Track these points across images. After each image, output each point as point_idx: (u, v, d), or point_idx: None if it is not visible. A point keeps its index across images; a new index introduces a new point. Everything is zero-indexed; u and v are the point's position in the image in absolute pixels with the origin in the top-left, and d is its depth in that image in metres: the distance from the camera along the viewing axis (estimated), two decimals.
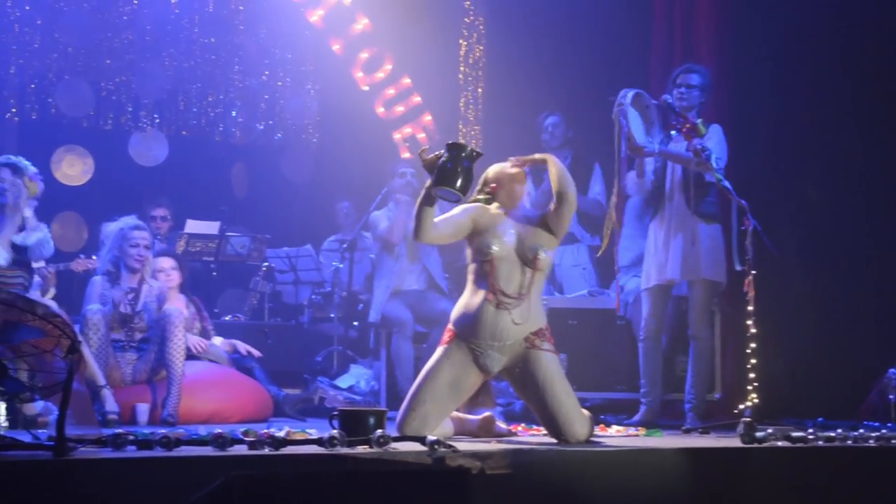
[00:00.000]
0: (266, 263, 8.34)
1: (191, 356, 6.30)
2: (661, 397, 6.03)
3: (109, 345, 5.99)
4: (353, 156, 9.09)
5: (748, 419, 4.58)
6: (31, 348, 3.66)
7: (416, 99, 9.33)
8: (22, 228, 6.02)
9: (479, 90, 9.10)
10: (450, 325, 4.68)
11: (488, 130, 8.98)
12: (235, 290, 8.56)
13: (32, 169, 5.96)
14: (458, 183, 4.45)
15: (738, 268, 5.55)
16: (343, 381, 7.27)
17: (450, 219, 4.70)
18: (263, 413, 6.37)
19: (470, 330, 4.59)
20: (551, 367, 4.58)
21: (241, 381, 6.51)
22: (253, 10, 9.17)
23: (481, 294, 4.60)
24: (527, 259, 4.60)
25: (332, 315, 8.00)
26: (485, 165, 4.85)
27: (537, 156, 4.86)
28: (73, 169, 9.03)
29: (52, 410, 5.26)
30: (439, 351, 4.65)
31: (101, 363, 5.85)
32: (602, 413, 6.29)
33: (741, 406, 5.22)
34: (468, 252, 4.72)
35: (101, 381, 5.76)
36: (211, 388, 6.16)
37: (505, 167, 4.81)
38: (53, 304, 5.55)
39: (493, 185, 4.80)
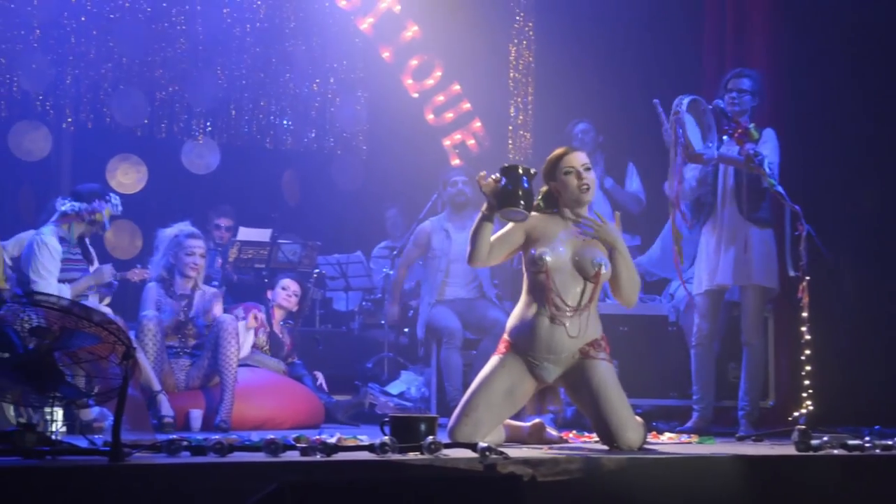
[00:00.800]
0: (317, 270, 8.39)
1: (244, 363, 6.35)
2: (713, 404, 5.99)
3: (164, 351, 6.05)
4: (403, 162, 9.11)
5: (803, 427, 4.53)
6: (88, 354, 3.70)
7: (466, 105, 9.33)
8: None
9: (529, 96, 9.07)
10: (505, 336, 4.67)
11: (538, 136, 8.95)
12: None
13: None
14: (523, 202, 4.44)
15: (792, 273, 5.49)
16: (394, 388, 7.29)
17: (502, 237, 4.64)
18: (315, 419, 6.40)
19: (525, 342, 4.58)
20: (605, 374, 4.55)
21: (293, 387, 6.56)
22: (304, 18, 9.22)
23: (535, 306, 4.56)
24: (587, 272, 4.53)
25: (383, 321, 8.03)
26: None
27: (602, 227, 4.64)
28: (128, 177, 9.14)
29: (107, 416, 5.34)
30: (494, 360, 4.64)
31: (156, 369, 5.92)
32: (654, 420, 6.25)
33: (796, 413, 5.17)
34: (523, 260, 4.67)
35: (157, 386, 5.84)
36: (263, 394, 6.21)
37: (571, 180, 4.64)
38: (109, 311, 5.62)
39: (547, 187, 4.73)
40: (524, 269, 4.65)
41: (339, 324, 8.79)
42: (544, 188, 4.73)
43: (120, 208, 6.17)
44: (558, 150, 4.71)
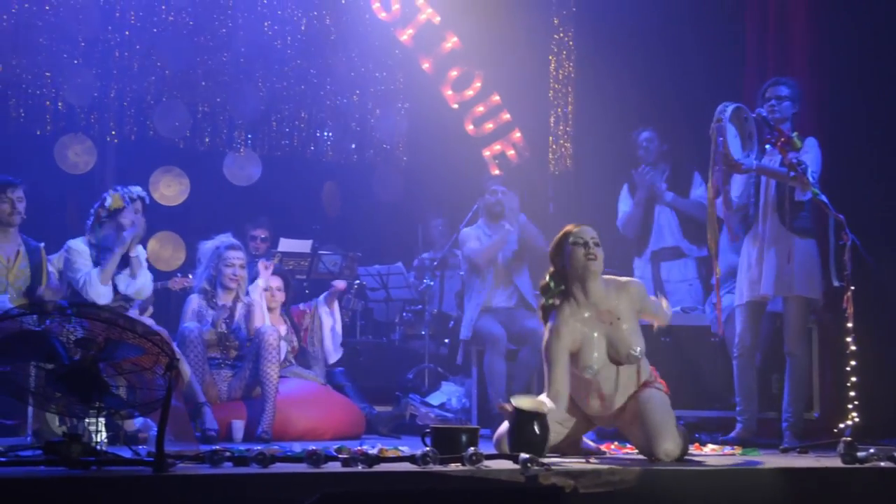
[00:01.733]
0: (358, 281, 8.41)
1: (285, 374, 6.39)
2: (757, 415, 5.93)
3: (206, 362, 6.10)
4: (443, 173, 9.12)
5: (849, 438, 4.47)
6: (132, 365, 3.74)
7: (506, 116, 9.33)
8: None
9: (569, 106, 9.06)
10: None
11: (579, 147, 8.93)
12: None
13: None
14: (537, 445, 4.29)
15: (836, 283, 5.43)
16: (434, 399, 7.29)
17: (563, 374, 4.65)
18: (356, 430, 6.41)
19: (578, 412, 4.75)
20: (651, 392, 4.63)
21: (334, 398, 6.58)
22: (344, 30, 9.27)
23: (583, 393, 4.69)
24: (620, 360, 4.64)
25: (423, 332, 8.03)
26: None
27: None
28: (170, 189, 9.23)
29: (151, 426, 5.38)
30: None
31: (199, 380, 5.97)
32: (696, 431, 6.20)
33: (841, 425, 5.11)
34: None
35: (201, 397, 5.88)
36: (304, 405, 6.23)
37: (577, 251, 4.67)
38: (152, 322, 5.68)
39: (554, 267, 4.75)
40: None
41: (380, 335, 8.80)
42: (551, 269, 4.76)
43: (133, 192, 6.24)
44: (566, 227, 4.77)
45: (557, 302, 4.71)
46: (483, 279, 6.99)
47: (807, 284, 5.75)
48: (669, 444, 4.45)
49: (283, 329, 6.72)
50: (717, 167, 5.42)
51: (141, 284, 6.23)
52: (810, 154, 5.68)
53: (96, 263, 6.10)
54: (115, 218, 6.17)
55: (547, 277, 4.75)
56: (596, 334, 4.64)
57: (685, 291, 7.05)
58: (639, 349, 4.61)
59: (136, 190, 6.32)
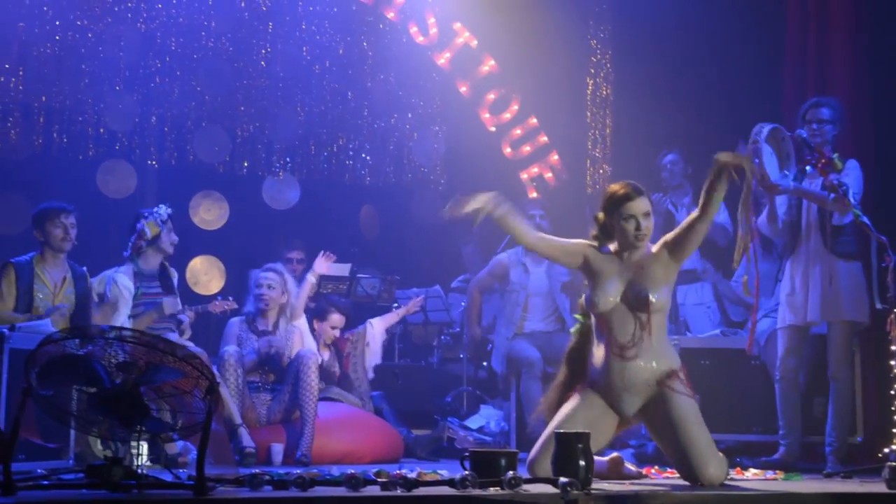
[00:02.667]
0: (396, 304, 8.42)
1: (324, 397, 6.40)
2: (799, 440, 5.86)
3: (245, 385, 6.12)
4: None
5: (893, 463, 4.40)
6: (172, 389, 3.75)
7: (543, 138, 9.33)
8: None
9: (607, 128, 9.04)
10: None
11: (617, 169, 8.90)
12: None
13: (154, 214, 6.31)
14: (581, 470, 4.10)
15: (879, 306, 5.37)
16: (473, 422, 7.27)
17: (563, 244, 4.72)
18: (394, 454, 6.41)
19: (601, 382, 4.59)
20: (685, 408, 4.50)
21: (373, 421, 6.58)
22: (382, 54, 9.32)
23: (603, 345, 4.59)
24: (635, 304, 4.53)
25: (462, 355, 8.02)
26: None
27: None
28: (210, 214, 9.29)
29: (191, 450, 5.41)
30: (575, 396, 4.63)
31: (238, 403, 5.99)
32: (737, 455, 6.14)
33: (886, 450, 5.05)
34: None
35: (238, 419, 5.90)
36: (343, 428, 6.24)
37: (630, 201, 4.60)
38: (192, 345, 5.72)
39: (605, 218, 4.68)
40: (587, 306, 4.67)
41: (418, 358, 8.80)
42: (601, 216, 4.70)
43: (162, 213, 6.32)
44: (622, 189, 4.65)
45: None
46: (524, 308, 6.99)
47: (853, 308, 5.69)
48: (713, 470, 4.39)
49: (326, 355, 6.76)
50: (755, 189, 5.37)
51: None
52: (851, 176, 5.63)
53: (144, 297, 6.21)
54: (156, 244, 6.28)
55: (596, 228, 4.71)
56: (616, 274, 4.59)
57: (702, 315, 7.03)
58: (655, 297, 4.49)
59: (163, 211, 6.39)
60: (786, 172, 5.52)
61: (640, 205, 4.60)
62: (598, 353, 4.60)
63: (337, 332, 7.04)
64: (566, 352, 4.85)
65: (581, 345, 4.77)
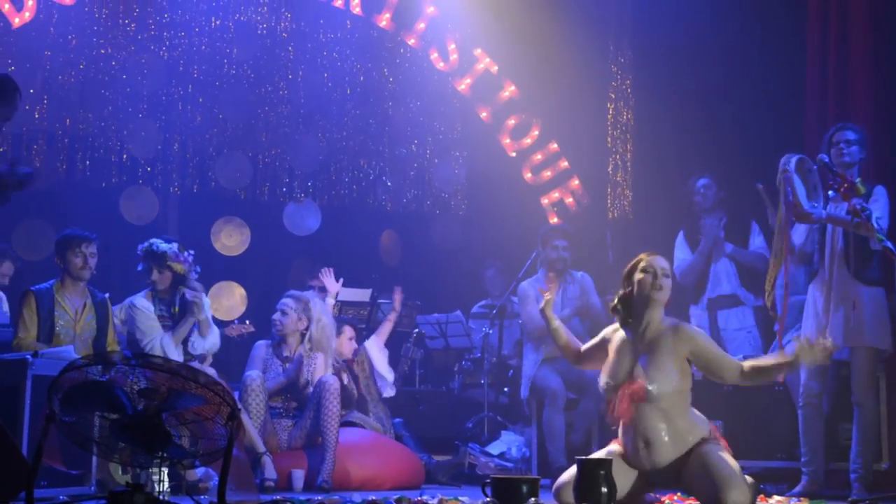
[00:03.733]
0: (416, 330, 8.42)
1: (345, 423, 6.39)
2: (824, 467, 5.81)
3: (267, 411, 6.13)
4: (502, 221, 9.13)
5: None
6: (193, 415, 3.76)
7: (564, 164, 9.34)
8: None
9: (629, 153, 9.05)
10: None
11: (638, 194, 8.90)
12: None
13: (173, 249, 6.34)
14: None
15: None
16: (494, 448, 7.24)
17: (593, 344, 4.78)
18: (415, 480, 6.39)
19: (629, 458, 4.55)
20: (711, 444, 4.46)
21: (393, 447, 6.57)
22: (402, 80, 9.37)
23: (621, 431, 4.57)
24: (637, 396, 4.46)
25: (483, 381, 8.00)
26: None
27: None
28: (232, 239, 9.33)
29: (212, 476, 5.41)
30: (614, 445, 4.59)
31: (260, 429, 5.99)
32: (761, 482, 6.08)
33: None
34: None
35: (261, 447, 5.90)
36: (364, 454, 6.22)
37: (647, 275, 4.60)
38: (213, 372, 5.73)
39: (629, 291, 4.66)
40: None
41: (439, 383, 8.79)
42: (620, 292, 4.69)
43: (178, 255, 6.35)
44: (640, 255, 4.68)
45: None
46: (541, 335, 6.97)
47: (877, 334, 5.65)
48: (737, 494, 4.33)
49: (344, 378, 6.75)
50: (789, 218, 5.38)
51: (211, 343, 6.37)
52: (879, 202, 5.61)
53: (161, 319, 6.24)
54: (180, 280, 6.34)
55: (616, 300, 4.71)
56: (628, 357, 4.55)
57: (743, 339, 6.96)
58: (653, 387, 4.41)
59: (174, 248, 6.42)
60: (814, 204, 5.52)
61: (658, 261, 4.62)
62: (625, 438, 4.55)
63: (354, 344, 7.06)
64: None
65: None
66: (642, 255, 4.70)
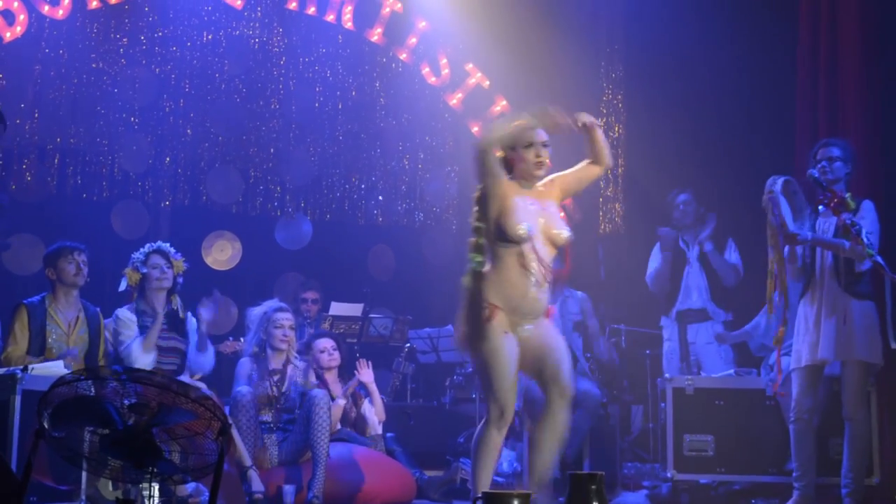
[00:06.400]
0: (408, 344, 8.41)
1: (336, 438, 6.38)
2: (815, 482, 5.81)
3: (258, 426, 6.11)
4: None
5: None
6: (184, 430, 3.74)
7: None
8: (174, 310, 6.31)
9: (620, 168, 9.06)
10: (491, 302, 4.62)
11: (629, 208, 8.92)
12: (378, 371, 8.62)
13: (172, 250, 6.34)
14: None
15: (894, 345, 5.34)
16: None
17: (497, 193, 4.71)
18: (407, 495, 6.37)
19: (514, 305, 4.62)
20: (556, 331, 4.77)
21: (385, 462, 6.55)
22: (394, 95, 9.38)
23: (521, 272, 4.61)
24: (555, 241, 4.66)
25: (474, 395, 7.99)
26: None
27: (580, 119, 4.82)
28: (223, 254, 9.32)
29: (202, 492, 5.39)
30: (493, 333, 4.59)
31: (249, 444, 5.97)
32: (752, 497, 6.09)
33: None
34: (495, 229, 4.64)
35: (248, 461, 5.89)
36: (355, 469, 6.21)
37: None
38: (203, 386, 5.71)
39: (513, 157, 4.74)
40: (497, 237, 4.63)
41: (431, 398, 8.77)
42: (501, 154, 4.75)
43: (139, 255, 6.31)
44: (521, 122, 4.76)
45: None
46: None
47: (867, 348, 5.66)
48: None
49: (341, 402, 6.75)
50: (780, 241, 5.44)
51: (207, 360, 6.32)
52: (868, 217, 5.63)
53: (142, 330, 6.18)
54: (147, 285, 6.31)
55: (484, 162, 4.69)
56: (529, 207, 4.65)
57: (714, 353, 7.02)
58: (565, 232, 4.66)
59: (139, 253, 6.39)
60: (800, 224, 5.55)
61: (540, 133, 4.75)
62: (514, 277, 4.61)
63: (326, 356, 6.93)
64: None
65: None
66: (521, 123, 4.74)
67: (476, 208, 4.72)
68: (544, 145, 4.73)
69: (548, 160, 4.73)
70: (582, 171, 4.88)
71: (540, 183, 4.77)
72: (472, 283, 4.68)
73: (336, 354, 6.96)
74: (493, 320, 4.58)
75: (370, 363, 7.01)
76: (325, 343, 6.96)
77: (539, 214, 4.66)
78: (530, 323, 4.64)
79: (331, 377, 6.94)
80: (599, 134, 4.84)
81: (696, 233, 7.16)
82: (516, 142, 4.71)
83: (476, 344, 4.62)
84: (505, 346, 4.58)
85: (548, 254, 4.65)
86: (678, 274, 7.17)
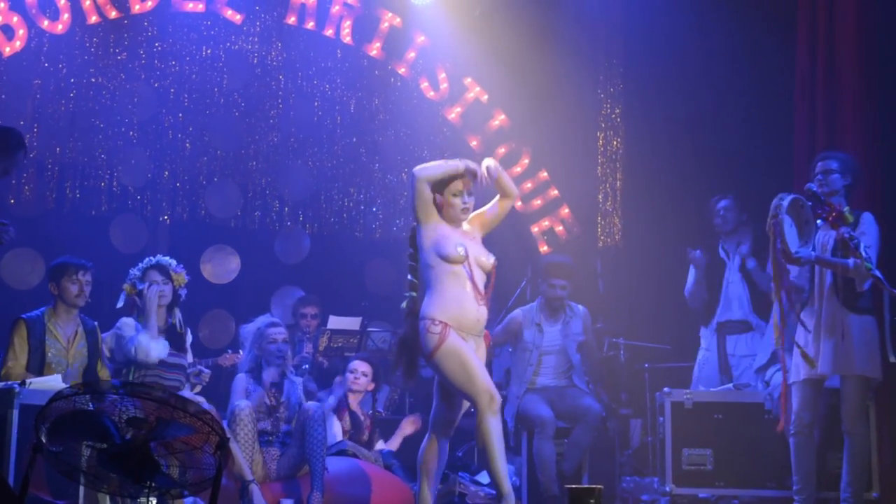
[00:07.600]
0: None
1: (339, 450, 6.38)
2: (815, 495, 5.80)
3: (256, 440, 6.10)
4: (491, 249, 9.08)
5: None
6: (182, 444, 3.74)
7: (554, 192, 9.35)
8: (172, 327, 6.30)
9: (618, 182, 9.07)
10: (441, 320, 4.96)
11: (627, 222, 8.92)
12: (376, 385, 8.64)
13: (173, 263, 6.34)
14: None
15: (893, 359, 5.34)
16: (484, 477, 7.20)
17: (428, 204, 5.13)
18: None
19: (463, 322, 5.01)
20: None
21: (383, 476, 6.54)
22: (392, 109, 9.38)
23: (464, 292, 5.02)
24: (485, 267, 5.12)
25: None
26: None
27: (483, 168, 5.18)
28: (222, 268, 9.32)
29: None
30: (453, 348, 4.95)
31: (248, 458, 5.96)
32: None
33: None
34: (436, 255, 5.04)
35: (249, 476, 5.87)
36: (353, 483, 6.20)
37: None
38: (202, 400, 5.70)
39: (441, 202, 5.10)
40: (436, 258, 5.03)
41: (429, 412, 8.73)
42: (431, 196, 5.10)
43: (135, 272, 6.32)
44: (453, 171, 5.11)
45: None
46: (536, 366, 6.97)
47: (867, 363, 5.65)
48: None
49: (345, 423, 6.77)
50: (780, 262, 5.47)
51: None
52: (868, 231, 5.63)
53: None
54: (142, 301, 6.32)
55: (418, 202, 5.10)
56: (459, 237, 5.10)
57: (747, 367, 6.87)
58: (492, 258, 5.14)
59: (135, 269, 6.40)
60: (806, 240, 5.55)
61: (466, 183, 5.13)
62: (460, 296, 5.01)
63: (352, 377, 7.06)
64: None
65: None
66: (454, 172, 5.10)
67: (411, 249, 5.20)
68: (469, 194, 5.14)
69: (471, 207, 5.16)
70: (497, 207, 5.30)
71: (464, 223, 5.21)
72: (416, 308, 5.07)
73: (364, 380, 7.06)
74: (445, 331, 4.94)
75: (419, 418, 7.14)
76: (357, 365, 7.09)
77: (468, 244, 5.09)
78: (472, 340, 5.03)
79: (354, 399, 6.98)
80: (504, 175, 5.26)
81: (737, 240, 7.00)
82: (446, 188, 5.10)
83: (440, 353, 4.96)
84: (464, 344, 4.97)
85: (480, 276, 5.06)
86: (717, 284, 7.00)
